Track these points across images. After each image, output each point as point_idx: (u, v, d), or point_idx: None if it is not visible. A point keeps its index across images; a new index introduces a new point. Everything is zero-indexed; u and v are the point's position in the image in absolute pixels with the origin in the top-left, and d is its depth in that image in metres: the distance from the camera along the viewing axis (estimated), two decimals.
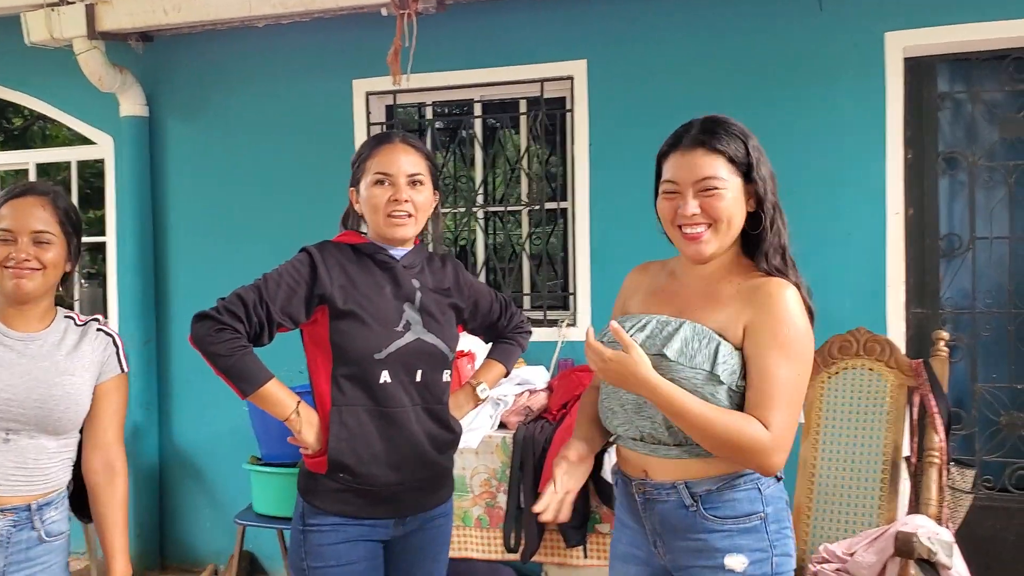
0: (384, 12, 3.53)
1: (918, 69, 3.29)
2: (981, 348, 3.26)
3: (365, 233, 2.01)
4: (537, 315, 3.73)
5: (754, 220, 1.63)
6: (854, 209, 3.29)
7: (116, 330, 1.96)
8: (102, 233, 4.39)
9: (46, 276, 1.82)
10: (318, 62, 3.97)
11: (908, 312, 3.28)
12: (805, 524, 2.69)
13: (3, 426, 1.75)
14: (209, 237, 4.15)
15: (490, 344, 2.27)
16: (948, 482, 2.57)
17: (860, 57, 3.27)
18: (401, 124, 3.97)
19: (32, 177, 4.56)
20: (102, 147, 4.30)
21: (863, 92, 3.27)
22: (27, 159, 4.62)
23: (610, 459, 1.92)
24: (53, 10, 3.81)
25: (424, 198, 1.96)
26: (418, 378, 1.91)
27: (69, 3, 3.79)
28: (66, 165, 4.56)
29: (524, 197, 3.87)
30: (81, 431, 1.89)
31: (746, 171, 1.59)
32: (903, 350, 2.89)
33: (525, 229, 3.90)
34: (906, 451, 2.65)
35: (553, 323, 3.67)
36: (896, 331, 3.22)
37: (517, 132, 3.93)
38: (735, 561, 1.57)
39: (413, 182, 1.93)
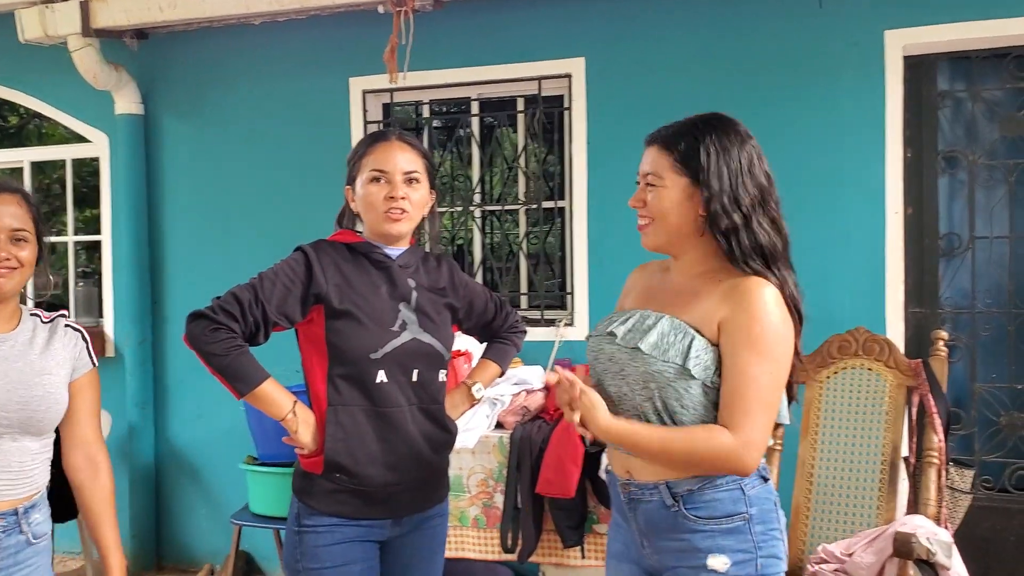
0: (381, 9, 3.52)
1: (918, 67, 3.28)
2: (980, 348, 3.25)
3: (361, 232, 1.99)
4: (534, 315, 3.72)
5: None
6: (853, 208, 3.27)
7: (82, 327, 1.92)
8: (97, 232, 4.37)
9: (23, 275, 1.79)
10: (314, 60, 3.95)
11: (907, 312, 3.27)
12: (803, 524, 2.68)
13: None
14: (205, 236, 4.13)
15: (485, 344, 2.26)
16: (947, 482, 2.56)
17: (860, 55, 3.26)
18: (398, 122, 3.96)
19: (27, 175, 4.54)
20: (97, 145, 4.28)
21: (863, 90, 3.26)
22: (22, 157, 4.60)
23: (605, 460, 1.92)
24: (47, 7, 3.79)
25: (420, 196, 1.95)
26: (414, 378, 1.90)
27: (63, 0, 3.77)
28: (61, 163, 4.54)
29: (522, 196, 3.86)
30: (57, 430, 1.86)
31: (695, 175, 1.60)
32: (902, 350, 2.89)
33: (523, 228, 3.88)
34: (905, 451, 2.65)
35: (550, 323, 3.66)
36: (895, 331, 3.21)
37: (515, 130, 3.92)
38: (717, 562, 1.56)
39: (409, 180, 1.92)
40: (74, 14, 3.76)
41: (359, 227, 2.02)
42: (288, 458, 3.23)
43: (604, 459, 2.19)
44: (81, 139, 4.36)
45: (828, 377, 2.74)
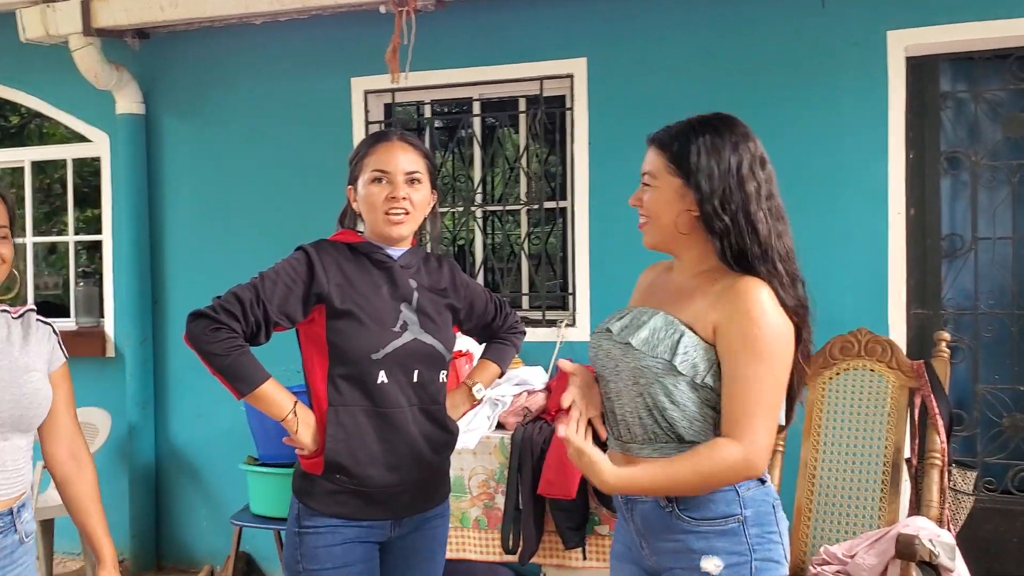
0: (383, 9, 3.52)
1: (920, 68, 3.27)
2: (983, 349, 3.25)
3: (362, 232, 1.99)
4: (536, 315, 3.71)
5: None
6: (855, 209, 3.27)
7: (52, 325, 1.90)
8: (98, 232, 4.37)
9: (3, 272, 1.77)
10: (316, 60, 3.94)
11: (909, 313, 3.26)
12: (805, 525, 2.68)
13: None
14: (206, 235, 4.13)
15: (484, 344, 2.25)
16: (949, 484, 2.56)
17: (862, 56, 3.25)
18: (400, 122, 3.95)
19: (28, 175, 4.53)
20: (98, 145, 4.28)
21: (865, 91, 3.25)
22: (23, 157, 4.59)
23: None
24: (48, 6, 3.79)
25: (422, 196, 1.94)
26: (415, 378, 1.90)
27: None
28: (62, 163, 4.53)
29: (523, 196, 3.85)
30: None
31: (687, 175, 1.59)
32: (904, 351, 2.88)
33: (524, 228, 3.88)
34: (907, 453, 2.64)
35: (552, 323, 3.65)
36: (897, 332, 3.20)
37: (516, 131, 3.91)
38: (710, 563, 1.56)
39: (411, 180, 1.92)
40: (75, 13, 3.76)
41: (360, 227, 2.01)
42: (289, 459, 3.22)
43: None
44: (82, 139, 4.36)
45: (830, 378, 2.74)
